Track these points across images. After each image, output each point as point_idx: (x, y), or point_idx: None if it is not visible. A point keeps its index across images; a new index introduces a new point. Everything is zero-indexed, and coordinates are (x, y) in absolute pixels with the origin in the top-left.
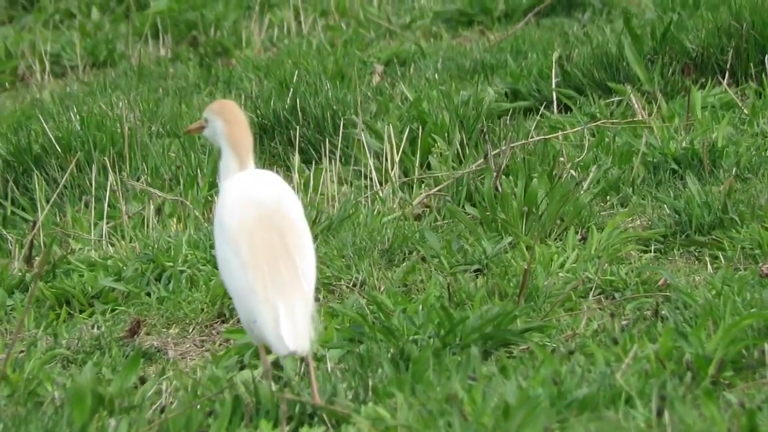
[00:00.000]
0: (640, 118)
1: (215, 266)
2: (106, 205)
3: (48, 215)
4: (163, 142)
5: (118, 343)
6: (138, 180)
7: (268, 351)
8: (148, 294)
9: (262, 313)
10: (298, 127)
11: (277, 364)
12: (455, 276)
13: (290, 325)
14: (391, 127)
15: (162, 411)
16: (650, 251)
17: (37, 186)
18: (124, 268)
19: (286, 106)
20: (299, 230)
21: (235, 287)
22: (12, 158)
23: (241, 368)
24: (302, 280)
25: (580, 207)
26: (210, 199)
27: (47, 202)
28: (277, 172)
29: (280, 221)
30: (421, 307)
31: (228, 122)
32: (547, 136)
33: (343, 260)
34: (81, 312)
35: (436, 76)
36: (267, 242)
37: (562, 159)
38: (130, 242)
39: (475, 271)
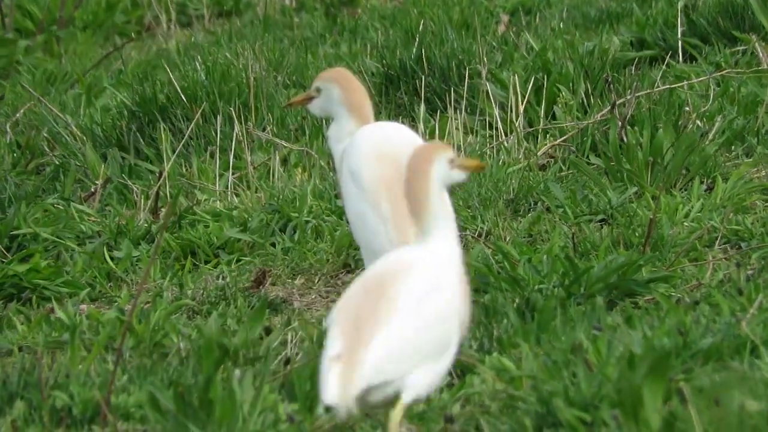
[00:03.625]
0: (766, 67)
1: (341, 217)
2: (231, 155)
3: (174, 166)
4: (289, 92)
5: (244, 294)
6: (263, 130)
7: None
8: (273, 244)
9: None
10: (423, 77)
11: None
12: (580, 226)
13: None
14: (516, 76)
15: (287, 362)
16: None
17: (162, 136)
18: (250, 218)
19: (412, 56)
20: None
21: (371, 242)
22: (138, 108)
23: None
24: None
25: (705, 157)
26: None
27: (173, 152)
28: (402, 122)
29: None
30: (545, 256)
31: (345, 88)
32: (672, 86)
33: (469, 210)
34: (206, 263)
35: (561, 25)
36: None
37: (687, 109)
38: (255, 193)
39: (599, 221)
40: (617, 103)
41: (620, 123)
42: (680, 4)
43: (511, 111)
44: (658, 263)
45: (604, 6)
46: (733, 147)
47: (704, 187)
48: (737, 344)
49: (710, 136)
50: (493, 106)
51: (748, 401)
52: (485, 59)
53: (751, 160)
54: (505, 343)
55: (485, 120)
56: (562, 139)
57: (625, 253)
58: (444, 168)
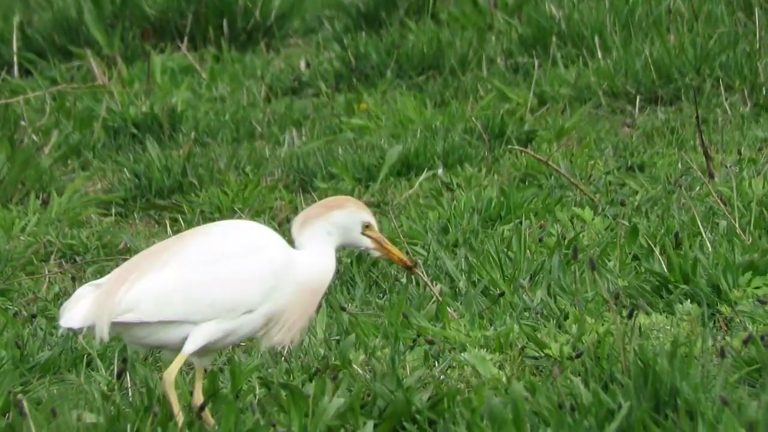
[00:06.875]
0: (101, 82)
1: None
2: None
3: None
4: None
5: None
6: None
7: None
8: None
9: None
10: None
11: None
12: None
13: None
14: None
15: None
16: (111, 215)
17: None
18: None
19: None
20: None
21: None
22: None
23: None
24: None
25: (41, 171)
26: None
27: None
28: None
29: None
30: None
31: None
32: (8, 101)
33: None
34: None
35: None
36: None
37: (23, 123)
38: None
39: None
40: None
41: None
42: (16, 20)
43: None
44: None
45: None
46: (69, 161)
47: (40, 201)
48: (74, 357)
49: (46, 151)
50: None
51: (84, 413)
52: None
53: (86, 173)
54: None
55: None
56: None
57: None
58: (350, 221)
